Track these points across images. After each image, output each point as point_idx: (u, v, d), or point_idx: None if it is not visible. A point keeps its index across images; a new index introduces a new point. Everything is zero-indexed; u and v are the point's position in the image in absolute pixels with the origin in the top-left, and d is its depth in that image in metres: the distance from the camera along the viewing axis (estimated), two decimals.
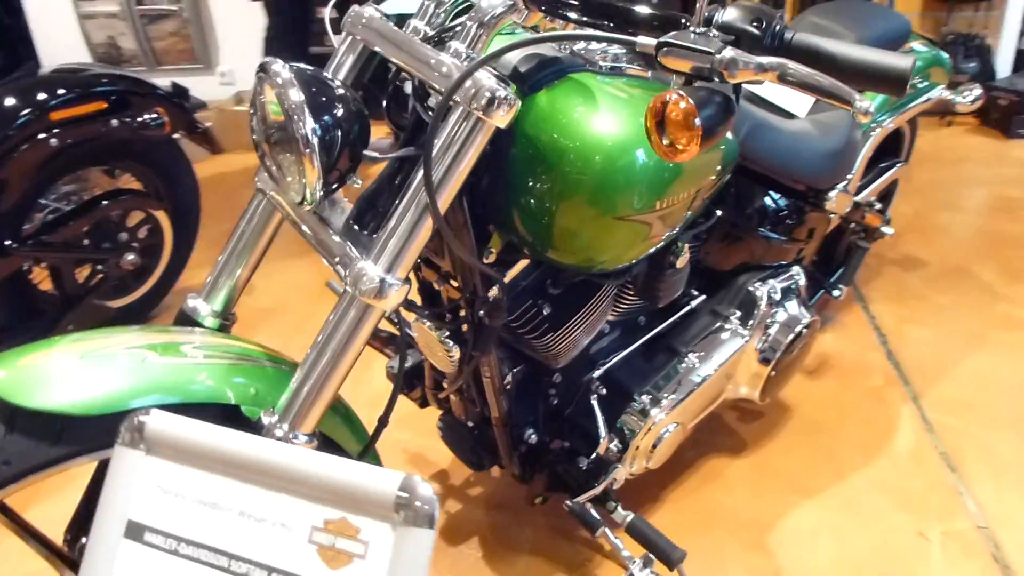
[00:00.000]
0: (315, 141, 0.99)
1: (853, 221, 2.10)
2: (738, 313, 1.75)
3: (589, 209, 1.16)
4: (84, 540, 1.17)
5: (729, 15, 0.91)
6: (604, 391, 1.60)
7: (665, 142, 0.87)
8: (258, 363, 1.13)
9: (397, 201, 1.03)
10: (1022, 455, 1.91)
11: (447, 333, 1.31)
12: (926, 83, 2.17)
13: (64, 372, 0.99)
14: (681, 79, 0.92)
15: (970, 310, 2.48)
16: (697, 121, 0.84)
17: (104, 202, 2.24)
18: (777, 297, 1.77)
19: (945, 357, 2.27)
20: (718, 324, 1.75)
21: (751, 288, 1.76)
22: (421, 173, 1.00)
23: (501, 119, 0.99)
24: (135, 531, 0.66)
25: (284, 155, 1.06)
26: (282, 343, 2.26)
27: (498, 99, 0.98)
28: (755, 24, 0.90)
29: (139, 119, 2.20)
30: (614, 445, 1.59)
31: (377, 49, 1.12)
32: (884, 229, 2.21)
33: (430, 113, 1.11)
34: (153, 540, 0.66)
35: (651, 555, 1.48)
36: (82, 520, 1.17)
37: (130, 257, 2.34)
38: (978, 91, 2.17)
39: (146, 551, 0.65)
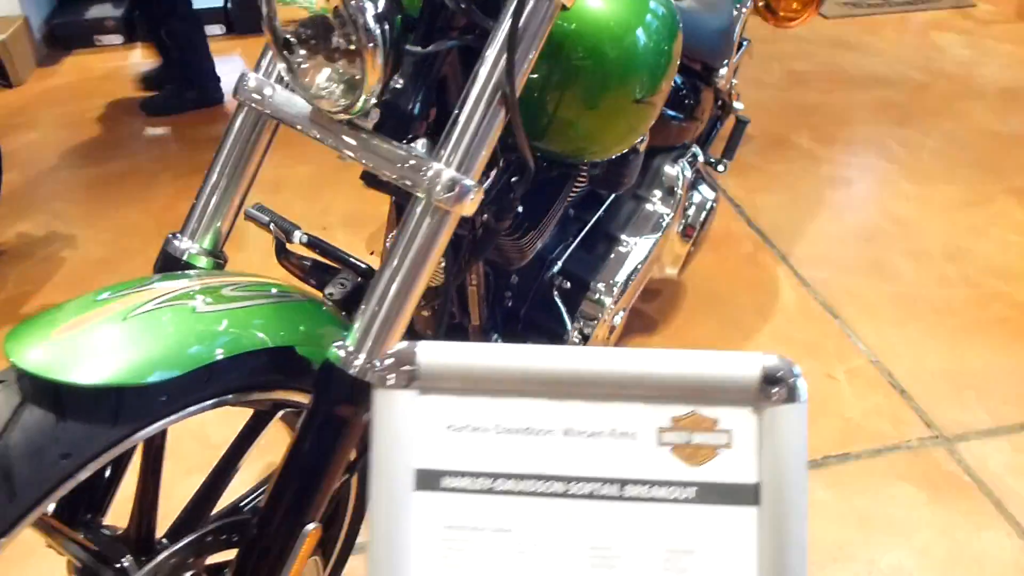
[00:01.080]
0: (379, 34, 0.88)
1: (722, 99, 2.22)
2: (659, 194, 1.81)
3: (614, 95, 1.16)
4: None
5: None
6: (567, 284, 1.60)
7: (781, 12, 0.86)
8: (289, 298, 1.01)
9: (464, 97, 0.94)
10: (883, 295, 2.18)
11: None
12: None
13: (110, 338, 0.84)
14: None
15: (801, 174, 2.74)
16: None
17: None
18: (689, 176, 1.85)
19: (795, 218, 2.50)
20: (643, 207, 1.80)
21: (667, 169, 1.82)
22: (488, 65, 0.92)
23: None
24: (428, 480, 0.58)
25: (323, 56, 0.93)
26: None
27: None
28: None
29: None
30: (576, 336, 1.61)
31: None
32: (737, 104, 2.36)
33: None
34: (455, 484, 0.58)
35: None
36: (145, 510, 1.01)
37: None
38: None
39: (449, 498, 0.58)
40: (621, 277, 1.67)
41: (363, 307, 0.95)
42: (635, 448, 0.58)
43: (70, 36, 3.70)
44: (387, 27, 0.91)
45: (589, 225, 1.70)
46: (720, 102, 2.29)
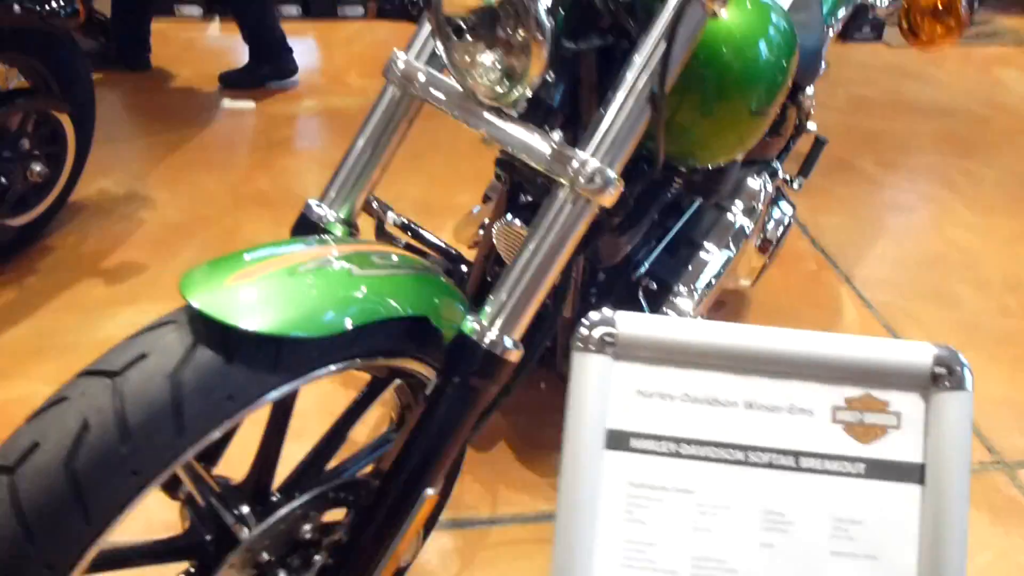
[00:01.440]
0: (548, 26, 0.93)
1: (802, 117, 2.27)
2: (741, 206, 1.86)
3: (732, 105, 1.22)
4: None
5: None
6: (653, 286, 1.65)
7: (923, 36, 0.91)
8: (424, 271, 1.06)
9: (613, 92, 0.99)
10: (945, 321, 2.22)
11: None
12: None
13: (279, 291, 0.90)
14: None
15: (864, 197, 2.78)
16: (962, 10, 0.89)
17: (9, 102, 1.91)
18: (771, 191, 1.90)
19: (858, 241, 2.54)
20: (725, 217, 1.85)
21: (750, 183, 1.87)
22: (636, 67, 0.98)
23: (716, 3, 0.99)
24: (618, 440, 0.64)
25: (484, 45, 0.99)
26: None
27: None
28: None
29: (49, 5, 1.87)
30: None
31: None
32: (811, 124, 2.41)
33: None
34: (643, 446, 0.64)
35: None
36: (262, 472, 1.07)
37: (37, 168, 2.03)
38: None
39: (637, 458, 0.64)
40: (702, 283, 1.72)
41: (499, 285, 1.01)
42: (811, 424, 0.63)
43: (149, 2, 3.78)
44: (552, 22, 0.96)
45: (675, 230, 1.75)
46: (799, 120, 2.34)
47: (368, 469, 1.22)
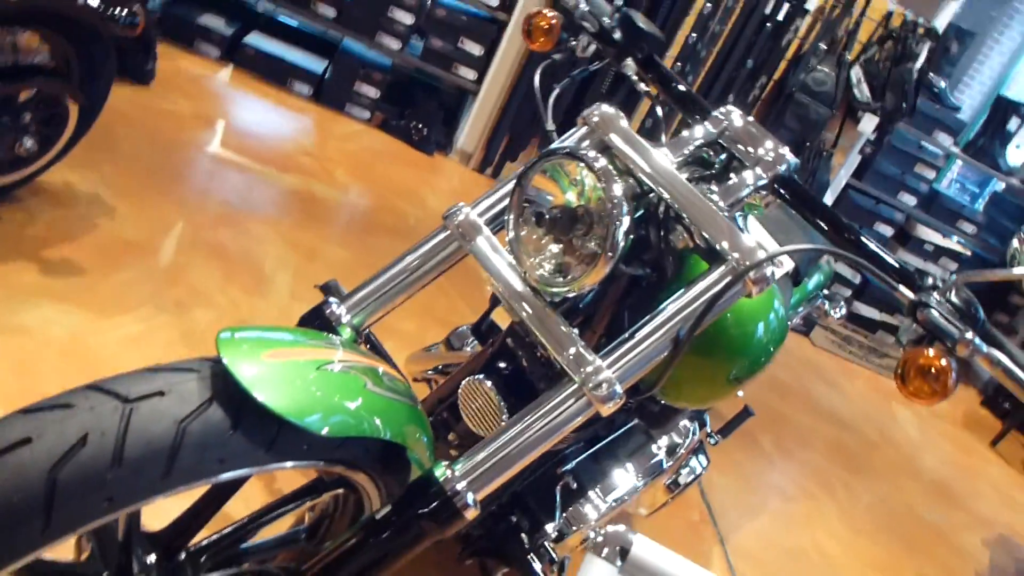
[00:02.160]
0: (621, 246, 1.06)
1: None
2: (666, 442, 1.99)
3: (719, 366, 1.36)
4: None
5: (962, 295, 1.14)
6: (573, 485, 1.73)
7: (911, 388, 1.07)
8: (414, 403, 1.13)
9: (645, 324, 1.11)
10: None
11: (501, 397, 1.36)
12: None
13: (303, 381, 0.96)
14: (913, 334, 1.13)
15: (757, 471, 2.97)
16: (950, 383, 1.05)
17: (30, 77, 1.92)
18: (695, 440, 2.04)
19: (741, 508, 2.70)
20: (650, 447, 1.97)
21: (682, 426, 2.01)
22: (673, 311, 1.11)
23: (757, 287, 1.13)
24: None
25: (556, 239, 1.11)
26: (151, 291, 2.11)
27: (769, 276, 1.12)
28: (973, 310, 1.14)
29: (114, 11, 1.93)
30: (553, 533, 1.73)
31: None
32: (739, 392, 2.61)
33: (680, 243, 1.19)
34: None
35: None
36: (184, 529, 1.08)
37: (28, 144, 2.03)
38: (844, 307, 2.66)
39: None
40: (611, 498, 1.80)
41: (481, 446, 1.08)
42: None
43: (176, 29, 3.87)
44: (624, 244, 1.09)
45: (606, 441, 1.86)
46: None
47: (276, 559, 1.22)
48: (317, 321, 1.21)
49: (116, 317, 2.14)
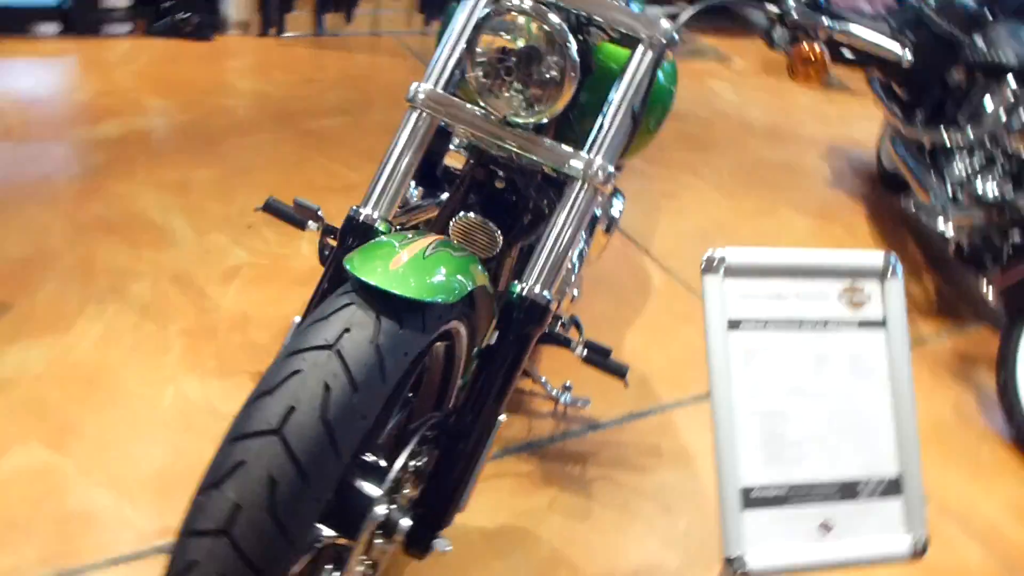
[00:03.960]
0: (578, 61, 1.36)
1: None
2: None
3: (650, 124, 1.72)
4: None
5: None
6: None
7: (799, 78, 1.47)
8: (463, 253, 1.43)
9: (614, 108, 1.43)
10: None
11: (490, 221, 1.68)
12: None
13: (422, 272, 1.24)
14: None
15: (640, 189, 3.45)
16: (827, 62, 1.46)
17: None
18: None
19: (646, 223, 3.20)
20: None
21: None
22: (623, 88, 1.43)
23: (672, 51, 1.46)
24: (734, 325, 1.11)
25: (518, 78, 1.38)
26: (79, 292, 2.24)
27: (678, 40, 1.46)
28: (820, 3, 1.52)
29: None
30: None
31: None
32: None
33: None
34: (747, 327, 1.11)
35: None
36: None
37: None
38: None
39: (745, 334, 1.11)
40: (575, 256, 2.20)
41: (536, 255, 1.41)
42: (829, 303, 1.14)
43: None
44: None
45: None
46: None
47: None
48: (354, 231, 1.45)
49: (72, 330, 2.26)
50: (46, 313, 2.30)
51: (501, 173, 1.69)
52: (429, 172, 2.12)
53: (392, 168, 1.49)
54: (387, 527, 1.35)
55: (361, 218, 1.46)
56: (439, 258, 1.29)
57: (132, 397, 2.11)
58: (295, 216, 2.02)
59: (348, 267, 1.20)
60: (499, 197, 1.74)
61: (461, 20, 1.46)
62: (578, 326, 1.78)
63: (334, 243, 2.01)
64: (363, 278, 1.18)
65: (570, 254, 1.44)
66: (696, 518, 2.10)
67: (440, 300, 1.21)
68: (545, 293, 1.40)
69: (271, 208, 2.07)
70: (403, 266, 1.22)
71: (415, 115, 1.49)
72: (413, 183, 2.16)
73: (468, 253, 1.39)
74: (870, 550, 1.11)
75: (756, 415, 1.10)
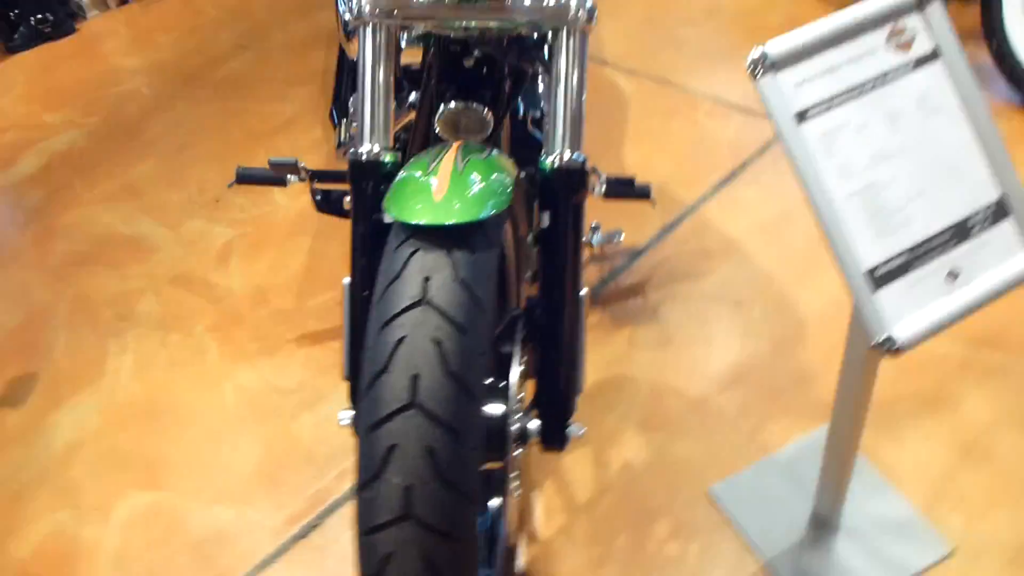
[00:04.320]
0: None
1: None
2: None
3: None
4: None
5: None
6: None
7: None
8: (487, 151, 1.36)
9: None
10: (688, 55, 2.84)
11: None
12: None
13: (465, 191, 1.18)
14: None
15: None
16: None
17: None
18: None
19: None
20: None
21: None
22: None
23: None
24: (801, 117, 1.06)
25: None
26: (92, 336, 2.19)
27: None
28: None
29: None
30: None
31: None
32: None
33: None
34: (814, 114, 1.06)
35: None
36: None
37: None
38: None
39: (815, 121, 1.06)
40: None
41: (548, 122, 1.35)
42: (881, 56, 1.09)
43: None
44: None
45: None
46: None
47: None
48: (361, 171, 1.36)
49: (105, 372, 2.20)
50: (72, 367, 2.23)
51: (466, 52, 1.59)
52: None
53: (371, 95, 1.39)
54: (522, 437, 1.36)
55: (364, 158, 1.37)
56: (471, 167, 1.23)
57: (194, 409, 2.08)
58: (272, 175, 1.94)
59: (393, 215, 1.15)
60: (472, 76, 1.65)
61: None
62: (593, 169, 1.74)
63: (324, 186, 1.96)
64: (416, 221, 1.13)
65: (582, 104, 1.37)
66: (767, 300, 2.13)
67: (496, 211, 1.16)
68: (576, 156, 1.35)
69: (245, 178, 1.99)
70: (446, 193, 1.16)
71: (369, 31, 1.38)
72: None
73: (488, 148, 1.33)
74: (999, 279, 1.11)
75: (853, 196, 1.07)
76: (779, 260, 2.22)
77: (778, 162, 2.49)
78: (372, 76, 1.39)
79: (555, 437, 1.40)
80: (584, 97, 1.37)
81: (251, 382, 2.12)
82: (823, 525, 1.69)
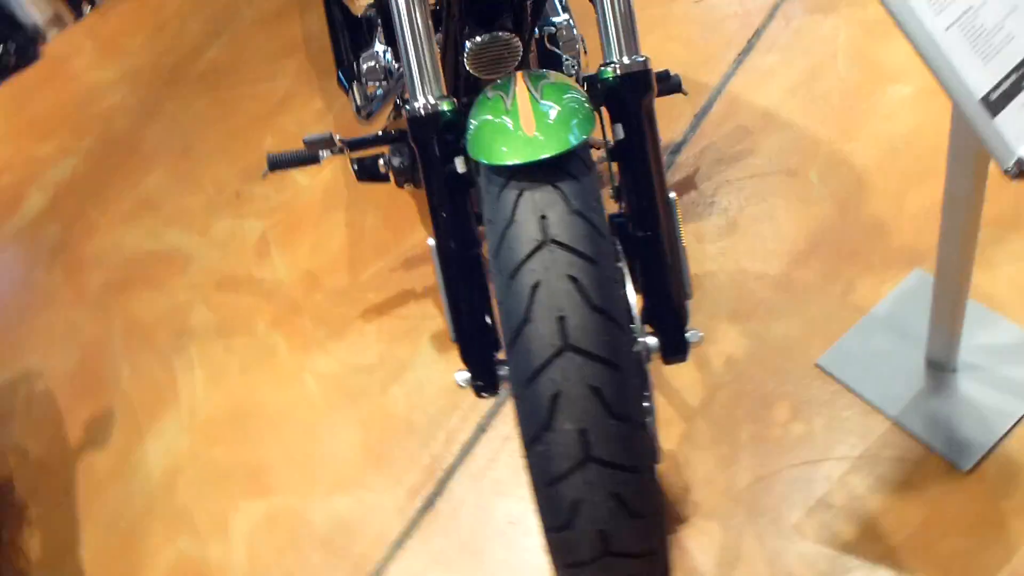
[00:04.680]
0: None
1: None
2: None
3: None
4: None
5: None
6: None
7: None
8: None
9: None
10: None
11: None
12: None
13: (547, 119, 1.13)
14: None
15: None
16: None
17: None
18: None
19: None
20: None
21: None
22: None
23: None
24: None
25: None
26: (156, 366, 2.14)
27: None
28: None
29: None
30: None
31: None
32: None
33: None
34: None
35: None
36: None
37: None
38: None
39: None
40: None
41: (605, 28, 1.28)
42: None
43: None
44: None
45: None
46: None
47: None
48: (421, 125, 1.30)
49: (179, 392, 2.19)
50: (144, 395, 2.21)
51: None
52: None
53: (414, 45, 1.31)
54: (647, 356, 1.34)
55: (423, 112, 1.30)
56: (547, 95, 1.17)
57: (281, 407, 2.07)
58: (305, 155, 1.89)
59: (486, 160, 1.10)
60: (491, 5, 1.58)
61: None
62: None
63: (356, 154, 1.90)
64: (514, 161, 1.08)
65: (632, 5, 1.30)
66: (819, 162, 2.08)
67: (586, 135, 1.11)
68: (636, 58, 1.29)
69: (277, 163, 1.93)
70: (537, 126, 1.11)
71: None
72: (386, 49, 1.98)
73: (545, 72, 1.27)
74: None
75: (951, 28, 1.02)
76: (819, 119, 2.16)
77: (791, 22, 2.41)
78: (411, 25, 1.30)
79: (676, 348, 1.37)
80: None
81: (329, 367, 2.10)
82: (940, 368, 1.67)
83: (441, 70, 1.34)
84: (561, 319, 0.99)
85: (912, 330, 1.71)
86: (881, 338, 1.76)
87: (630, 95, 1.29)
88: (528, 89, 1.18)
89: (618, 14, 1.29)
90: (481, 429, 1.87)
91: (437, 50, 1.34)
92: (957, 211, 1.37)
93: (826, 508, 1.58)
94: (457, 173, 1.31)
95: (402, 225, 2.30)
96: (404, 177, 1.94)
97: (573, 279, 1.01)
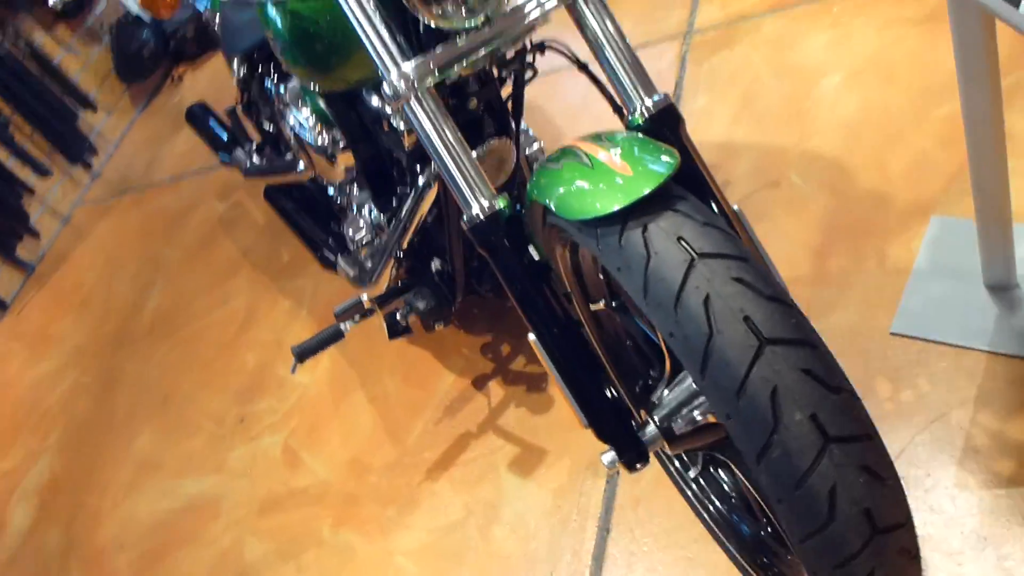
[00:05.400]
0: None
1: None
2: None
3: None
4: None
5: None
6: None
7: None
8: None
9: None
10: None
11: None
12: None
13: (628, 159, 1.16)
14: None
15: None
16: None
17: None
18: None
19: None
20: None
21: None
22: None
23: None
24: None
25: None
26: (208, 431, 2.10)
27: None
28: None
29: None
30: None
31: None
32: None
33: None
34: None
35: None
36: None
37: None
38: None
39: None
40: None
41: (616, 80, 1.36)
42: None
43: None
44: None
45: None
46: None
47: None
48: (497, 222, 1.30)
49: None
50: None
51: (468, 92, 1.60)
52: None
53: (452, 159, 1.34)
54: None
55: (483, 217, 1.31)
56: (613, 140, 1.22)
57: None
58: (329, 333, 1.89)
59: (603, 212, 1.10)
60: (479, 114, 1.66)
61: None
62: None
63: (384, 309, 1.89)
64: (621, 205, 1.10)
65: (631, 48, 1.39)
66: (796, 163, 2.20)
67: (675, 159, 1.15)
68: (656, 97, 1.36)
69: (305, 353, 1.91)
70: (630, 164, 1.15)
71: (417, 106, 1.33)
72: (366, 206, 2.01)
73: (591, 133, 1.31)
74: None
75: None
76: (774, 131, 2.30)
77: (702, 65, 2.59)
78: (443, 141, 1.34)
79: None
80: (628, 40, 1.39)
81: (418, 540, 2.01)
82: (1004, 288, 1.75)
83: (482, 170, 1.37)
84: (746, 319, 1.00)
85: (959, 268, 1.79)
86: (936, 286, 1.83)
87: (667, 130, 1.35)
88: (596, 145, 1.22)
89: (624, 61, 1.37)
90: (605, 530, 1.81)
91: (473, 154, 1.37)
92: (981, 133, 1.47)
93: (975, 454, 1.59)
94: (535, 261, 1.33)
95: (426, 377, 2.27)
96: (433, 318, 1.94)
97: (738, 280, 1.02)
